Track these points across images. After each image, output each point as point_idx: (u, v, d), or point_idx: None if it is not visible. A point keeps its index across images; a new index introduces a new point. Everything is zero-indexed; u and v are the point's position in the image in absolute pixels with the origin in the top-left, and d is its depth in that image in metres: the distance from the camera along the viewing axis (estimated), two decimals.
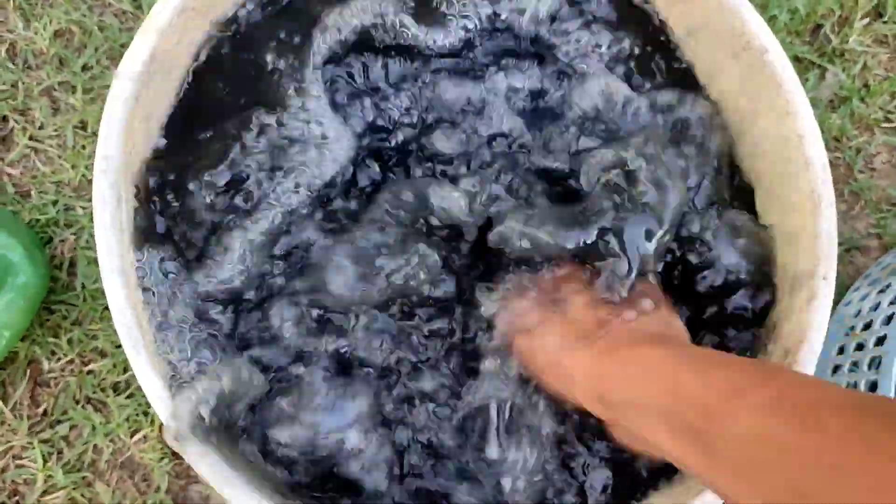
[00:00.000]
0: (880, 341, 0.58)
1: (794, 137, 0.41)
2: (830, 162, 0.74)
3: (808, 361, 0.39)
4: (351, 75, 0.48)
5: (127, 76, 0.37)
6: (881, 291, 0.63)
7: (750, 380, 0.32)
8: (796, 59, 0.76)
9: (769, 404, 0.30)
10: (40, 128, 0.66)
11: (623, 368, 0.37)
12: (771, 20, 0.76)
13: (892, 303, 0.60)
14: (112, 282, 0.35)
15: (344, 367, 0.44)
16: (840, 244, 0.74)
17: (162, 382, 0.35)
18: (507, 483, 0.42)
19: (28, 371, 0.63)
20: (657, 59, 0.46)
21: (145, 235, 0.39)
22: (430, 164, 0.48)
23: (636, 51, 0.46)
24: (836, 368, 0.62)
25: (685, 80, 0.46)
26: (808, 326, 0.39)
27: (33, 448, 0.61)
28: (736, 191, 0.47)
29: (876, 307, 0.61)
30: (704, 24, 0.44)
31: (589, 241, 0.40)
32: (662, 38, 0.46)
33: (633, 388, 0.36)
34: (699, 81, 0.45)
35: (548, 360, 0.41)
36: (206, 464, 0.36)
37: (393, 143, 0.48)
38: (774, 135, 0.43)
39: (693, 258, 0.45)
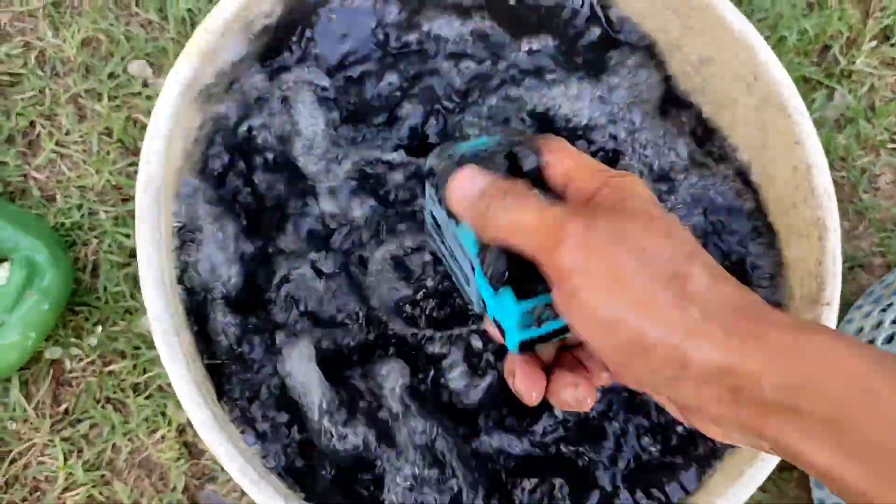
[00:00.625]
0: None
1: (802, 167, 0.43)
2: (835, 181, 0.76)
3: None
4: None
5: (170, 97, 0.39)
6: (884, 310, 0.64)
7: None
8: (804, 80, 0.78)
9: None
10: (66, 134, 0.68)
11: (795, 359, 0.27)
12: (780, 41, 0.77)
13: (894, 321, 0.61)
14: (152, 293, 0.36)
15: None
16: (844, 262, 0.75)
17: (197, 389, 0.37)
18: None
19: (51, 371, 0.65)
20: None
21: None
22: None
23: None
24: None
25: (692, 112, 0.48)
26: None
27: (54, 446, 0.63)
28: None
29: (878, 325, 0.63)
30: (715, 55, 0.46)
31: None
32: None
33: (807, 388, 0.27)
34: (703, 111, 0.47)
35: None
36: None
37: None
38: (782, 163, 0.44)
39: None
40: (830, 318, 0.41)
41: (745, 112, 0.46)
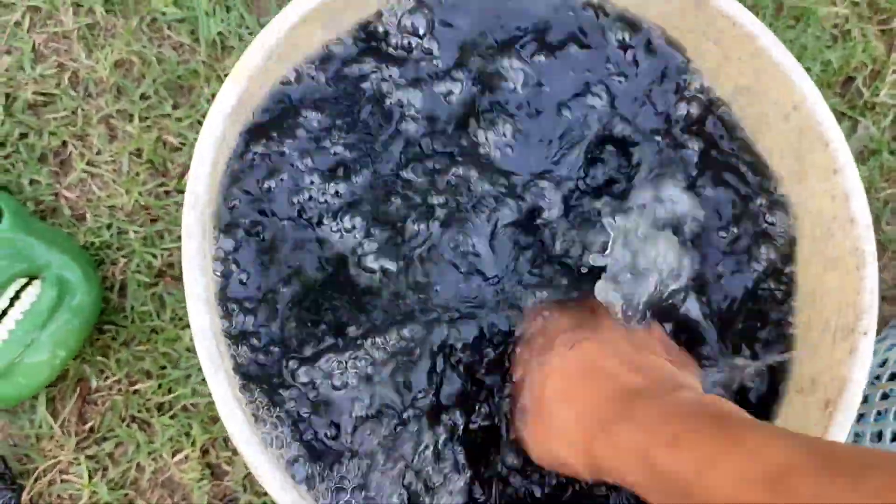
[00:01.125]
0: None
1: (840, 195, 0.43)
2: None
3: (848, 411, 0.40)
4: None
5: (218, 117, 0.39)
6: None
7: (719, 446, 0.33)
8: None
9: (740, 474, 0.31)
10: (97, 153, 0.69)
11: (606, 449, 0.37)
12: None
13: None
14: (197, 308, 0.37)
15: None
16: None
17: (238, 404, 0.37)
18: None
19: (77, 389, 0.65)
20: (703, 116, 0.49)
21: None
22: None
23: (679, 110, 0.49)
24: (860, 417, 0.64)
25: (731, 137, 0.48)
26: (849, 378, 0.40)
27: (79, 464, 0.63)
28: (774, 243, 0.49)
29: None
30: (754, 83, 0.46)
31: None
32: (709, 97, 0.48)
33: (619, 468, 0.37)
34: (747, 139, 0.48)
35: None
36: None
37: None
38: (820, 192, 0.45)
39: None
40: (867, 347, 0.41)
41: (780, 142, 0.46)
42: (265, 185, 0.45)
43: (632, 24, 0.48)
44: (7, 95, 0.68)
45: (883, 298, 0.76)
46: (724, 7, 0.44)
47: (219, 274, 0.41)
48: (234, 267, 0.42)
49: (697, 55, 0.48)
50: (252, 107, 0.43)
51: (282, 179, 0.45)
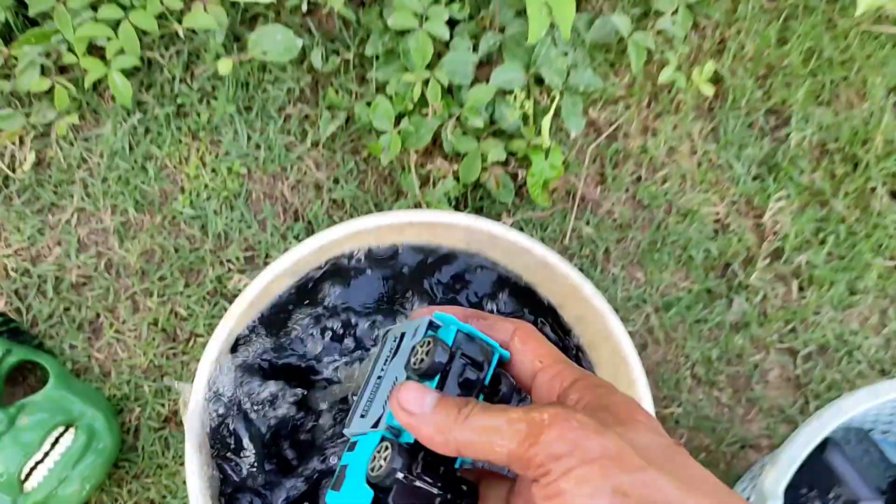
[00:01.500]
0: None
1: (635, 398, 0.62)
2: (731, 374, 0.94)
3: None
4: None
5: (211, 355, 0.59)
6: (753, 486, 0.81)
7: None
8: (708, 291, 0.97)
9: None
10: (123, 322, 0.89)
11: None
12: (689, 259, 0.97)
13: (747, 498, 0.78)
14: (193, 480, 0.55)
15: None
16: (736, 442, 0.93)
17: None
18: None
19: None
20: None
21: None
22: None
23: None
24: None
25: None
26: None
27: None
28: None
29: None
30: (586, 315, 0.66)
31: None
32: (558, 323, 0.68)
33: None
34: (582, 346, 0.67)
35: None
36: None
37: None
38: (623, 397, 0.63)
39: None
40: None
41: (602, 357, 0.65)
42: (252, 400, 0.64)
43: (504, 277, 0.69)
44: (56, 278, 0.88)
45: (751, 447, 0.93)
46: (559, 267, 0.64)
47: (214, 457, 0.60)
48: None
49: (551, 295, 0.67)
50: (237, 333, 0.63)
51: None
